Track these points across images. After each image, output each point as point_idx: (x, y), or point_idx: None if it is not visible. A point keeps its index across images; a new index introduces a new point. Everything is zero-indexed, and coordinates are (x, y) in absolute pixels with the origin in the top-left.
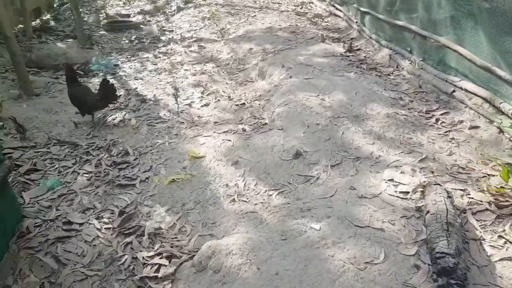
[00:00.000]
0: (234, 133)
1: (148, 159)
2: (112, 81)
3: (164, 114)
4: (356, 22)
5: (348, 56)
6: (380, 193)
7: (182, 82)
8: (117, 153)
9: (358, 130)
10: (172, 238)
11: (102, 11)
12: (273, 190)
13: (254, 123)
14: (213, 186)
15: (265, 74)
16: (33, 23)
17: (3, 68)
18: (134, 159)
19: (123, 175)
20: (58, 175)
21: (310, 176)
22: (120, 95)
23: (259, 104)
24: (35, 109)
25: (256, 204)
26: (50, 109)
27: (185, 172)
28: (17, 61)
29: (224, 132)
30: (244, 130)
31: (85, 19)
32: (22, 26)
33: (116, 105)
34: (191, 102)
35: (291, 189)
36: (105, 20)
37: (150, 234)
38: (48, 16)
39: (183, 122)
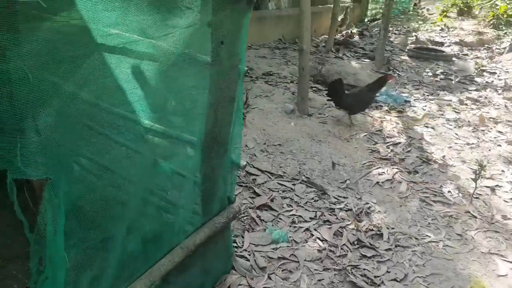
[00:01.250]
0: None
1: (405, 258)
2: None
3: (449, 192)
4: None
5: None
6: None
7: (489, 150)
8: (367, 229)
9: None
10: None
11: (413, 34)
12: None
13: None
14: None
15: None
16: (339, 34)
17: (290, 78)
18: (386, 249)
19: (364, 269)
20: (289, 227)
21: None
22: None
23: None
24: (300, 131)
25: None
26: (315, 136)
27: None
28: (303, 75)
29: None
30: None
31: (391, 39)
32: (326, 36)
33: (387, 154)
34: (496, 185)
35: None
36: (412, 45)
37: None
38: (354, 30)
39: (475, 216)
